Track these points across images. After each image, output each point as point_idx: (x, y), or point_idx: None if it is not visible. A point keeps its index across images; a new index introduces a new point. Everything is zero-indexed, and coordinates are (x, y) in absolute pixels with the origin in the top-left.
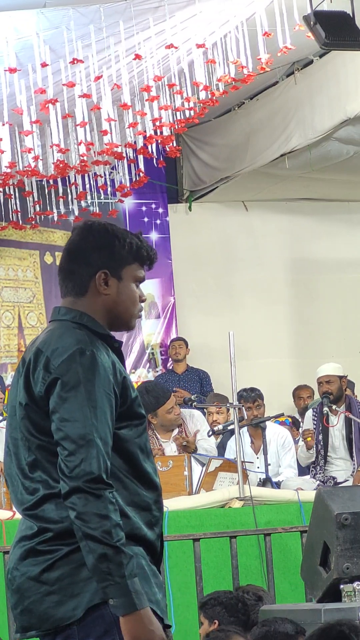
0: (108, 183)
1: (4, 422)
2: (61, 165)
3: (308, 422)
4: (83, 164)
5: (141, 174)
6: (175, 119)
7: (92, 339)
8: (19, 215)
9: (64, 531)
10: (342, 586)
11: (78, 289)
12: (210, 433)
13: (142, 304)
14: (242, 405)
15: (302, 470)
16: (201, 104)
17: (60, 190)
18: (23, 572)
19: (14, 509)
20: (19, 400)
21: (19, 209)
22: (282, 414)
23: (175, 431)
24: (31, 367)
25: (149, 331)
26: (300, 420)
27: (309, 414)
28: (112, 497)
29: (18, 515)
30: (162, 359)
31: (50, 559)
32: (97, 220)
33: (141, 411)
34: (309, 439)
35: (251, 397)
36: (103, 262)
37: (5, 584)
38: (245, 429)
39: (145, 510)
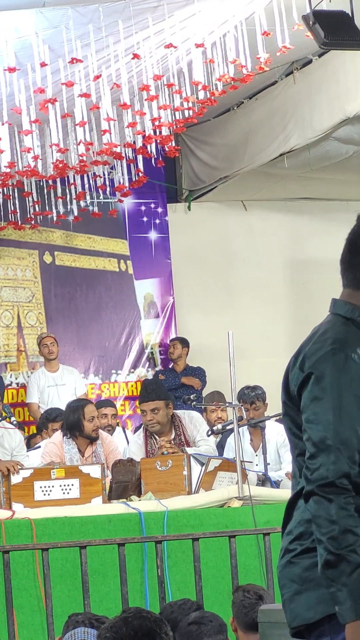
0: (107, 183)
1: (3, 422)
2: (60, 165)
3: None
4: (82, 164)
5: (140, 174)
6: (174, 118)
7: (354, 337)
8: (18, 216)
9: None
10: None
11: (355, 281)
12: (210, 433)
13: None
14: (242, 405)
15: None
16: (200, 104)
17: (59, 191)
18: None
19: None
20: (283, 398)
21: (18, 210)
22: (282, 414)
23: (173, 434)
24: (291, 364)
25: (148, 331)
26: None
27: None
28: (347, 503)
29: (18, 515)
30: (161, 358)
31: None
32: None
33: None
34: None
35: (250, 397)
36: None
37: None
38: (245, 427)
39: None
